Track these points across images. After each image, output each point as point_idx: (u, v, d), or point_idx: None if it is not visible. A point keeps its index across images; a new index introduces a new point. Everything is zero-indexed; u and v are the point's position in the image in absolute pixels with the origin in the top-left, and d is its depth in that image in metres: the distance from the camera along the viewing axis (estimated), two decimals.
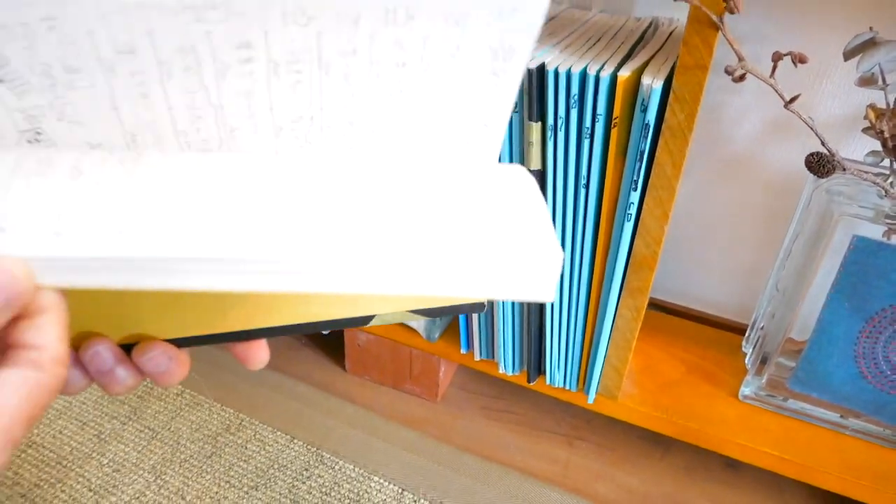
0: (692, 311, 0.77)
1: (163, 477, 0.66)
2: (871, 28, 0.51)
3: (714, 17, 0.41)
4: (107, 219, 0.22)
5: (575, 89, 0.47)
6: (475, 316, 0.64)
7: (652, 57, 0.50)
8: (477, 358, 0.67)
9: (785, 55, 0.42)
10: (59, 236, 0.22)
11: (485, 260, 0.23)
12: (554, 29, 0.56)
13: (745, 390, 0.64)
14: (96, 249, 0.22)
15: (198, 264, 0.22)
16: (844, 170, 0.48)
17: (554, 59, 0.48)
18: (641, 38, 0.56)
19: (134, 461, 0.67)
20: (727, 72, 0.42)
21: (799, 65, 0.40)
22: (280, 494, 0.64)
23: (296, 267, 0.22)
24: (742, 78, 0.41)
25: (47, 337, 0.22)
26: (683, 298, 0.78)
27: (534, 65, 0.47)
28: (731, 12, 0.40)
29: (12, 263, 0.21)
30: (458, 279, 0.24)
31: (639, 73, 0.47)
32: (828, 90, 0.60)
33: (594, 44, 0.53)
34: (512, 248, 0.24)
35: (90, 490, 0.64)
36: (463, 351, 0.68)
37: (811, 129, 0.47)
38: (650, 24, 0.60)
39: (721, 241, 0.72)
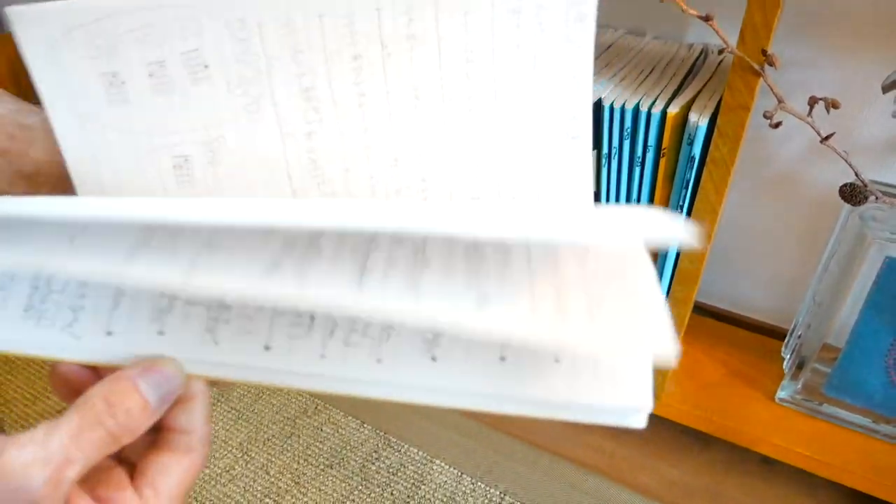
0: (735, 315, 0.82)
1: (249, 453, 0.74)
2: None
3: (756, 66, 0.46)
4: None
5: (628, 123, 0.53)
6: None
7: (699, 91, 0.55)
8: None
9: (820, 100, 0.46)
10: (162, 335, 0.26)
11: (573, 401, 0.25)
12: (610, 59, 0.61)
13: (782, 393, 0.68)
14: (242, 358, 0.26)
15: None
16: (877, 198, 0.52)
17: (609, 94, 0.54)
18: (692, 67, 0.60)
19: (223, 438, 0.76)
20: (765, 116, 0.46)
21: (832, 109, 0.45)
22: (353, 473, 0.72)
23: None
24: (778, 125, 0.46)
25: (197, 421, 0.26)
26: (729, 303, 0.82)
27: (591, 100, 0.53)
28: (771, 65, 0.45)
29: (167, 365, 0.25)
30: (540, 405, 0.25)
31: (686, 108, 0.52)
32: (871, 115, 0.63)
33: (647, 76, 0.58)
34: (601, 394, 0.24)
35: None
36: None
37: (846, 161, 0.51)
38: (701, 52, 0.64)
39: (765, 251, 0.76)
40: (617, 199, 0.57)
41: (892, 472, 0.63)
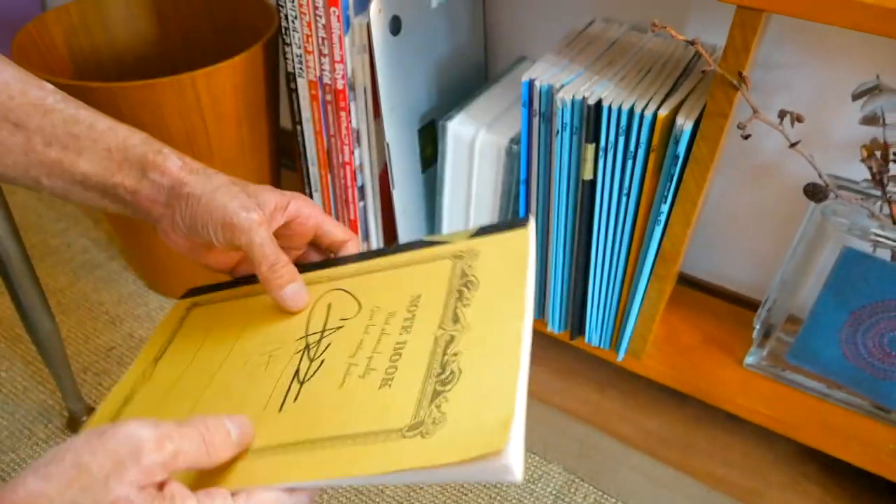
0: (715, 286, 0.90)
1: None
2: (877, 76, 0.62)
3: (734, 82, 0.53)
4: None
5: (623, 122, 0.60)
6: None
7: (688, 94, 0.62)
8: None
9: (788, 113, 0.54)
10: None
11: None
12: (613, 57, 0.68)
13: (749, 359, 0.77)
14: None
15: None
16: (837, 196, 0.60)
17: (609, 95, 0.61)
18: (686, 68, 0.67)
19: None
20: (739, 127, 0.54)
21: (796, 123, 0.52)
22: None
23: None
24: (748, 136, 0.53)
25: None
26: (710, 275, 0.91)
27: (593, 101, 0.60)
28: (746, 85, 0.52)
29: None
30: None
31: (674, 112, 0.60)
32: (847, 113, 0.70)
33: (644, 76, 0.65)
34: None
35: None
36: None
37: (810, 163, 0.59)
38: (695, 53, 0.71)
39: (745, 231, 0.84)
40: (611, 187, 0.65)
41: (840, 431, 0.72)
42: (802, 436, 0.73)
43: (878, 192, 0.64)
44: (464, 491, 0.75)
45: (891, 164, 0.64)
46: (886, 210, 0.65)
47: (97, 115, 0.42)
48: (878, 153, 0.62)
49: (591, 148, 0.63)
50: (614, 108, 0.60)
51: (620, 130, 0.61)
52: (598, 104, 0.60)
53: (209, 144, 0.78)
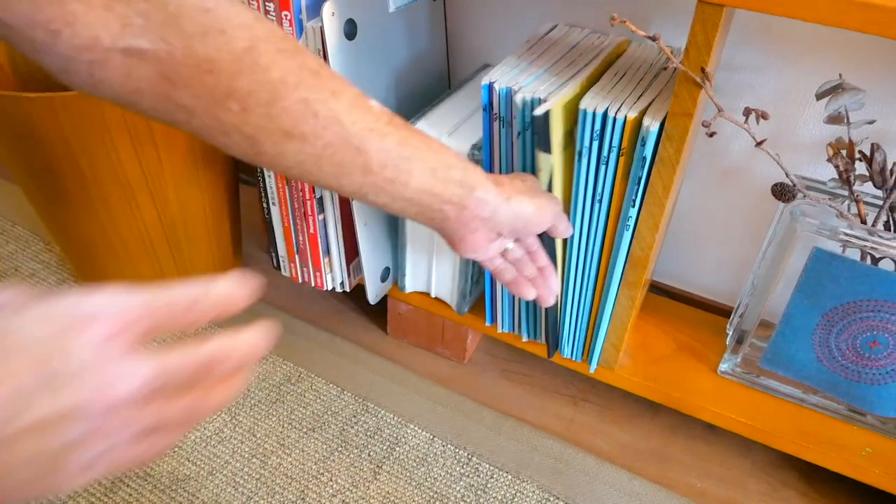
0: (687, 293, 0.89)
1: (237, 418, 0.80)
2: (839, 75, 0.62)
3: (697, 79, 0.52)
4: None
5: (598, 126, 0.58)
6: (500, 295, 0.76)
7: (656, 97, 0.61)
8: (499, 330, 0.80)
9: (753, 110, 0.52)
10: None
11: None
12: (575, 59, 0.67)
13: (723, 366, 0.76)
14: None
15: None
16: (805, 196, 0.59)
17: (587, 99, 0.59)
18: (657, 74, 0.65)
19: None
20: (704, 125, 0.52)
21: (761, 120, 0.51)
22: (333, 436, 0.79)
23: None
24: (713, 134, 0.51)
25: None
26: (681, 283, 0.89)
27: (570, 95, 0.58)
28: (708, 81, 0.50)
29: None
30: None
31: (643, 114, 0.58)
32: (812, 114, 0.69)
33: (620, 79, 0.63)
34: None
35: None
36: (487, 324, 0.80)
37: (777, 162, 0.57)
38: (664, 57, 0.70)
39: (715, 236, 0.83)
40: (586, 194, 0.63)
41: (817, 437, 0.70)
42: (779, 443, 0.71)
43: (846, 192, 0.63)
44: None
45: (857, 163, 0.63)
46: (854, 209, 0.64)
47: (423, 136, 0.49)
48: (843, 152, 0.61)
49: (544, 157, 0.61)
50: (589, 111, 0.58)
51: (595, 135, 0.59)
52: (576, 108, 0.58)
53: (158, 156, 0.74)
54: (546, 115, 0.57)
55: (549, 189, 0.62)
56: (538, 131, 0.59)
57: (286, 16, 0.65)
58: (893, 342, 0.64)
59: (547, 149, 0.59)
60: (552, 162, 0.60)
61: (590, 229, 0.65)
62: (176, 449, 0.76)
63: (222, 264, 0.93)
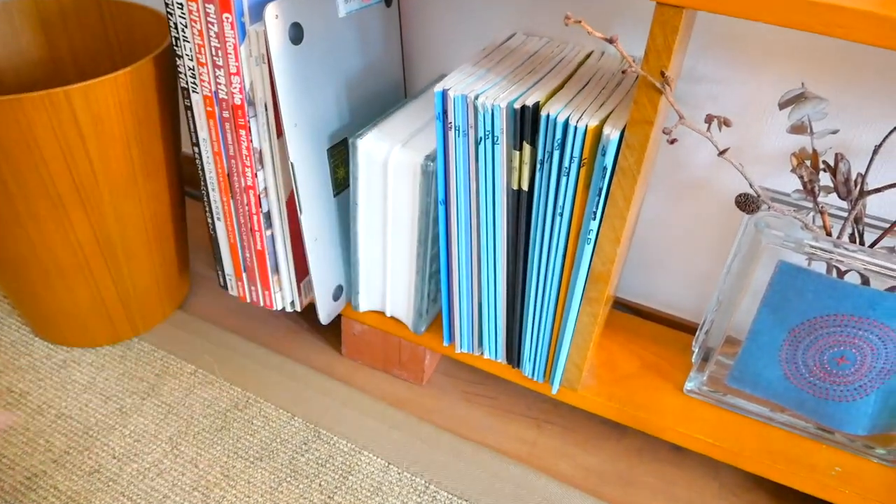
0: (652, 310, 0.86)
1: (178, 447, 0.75)
2: (802, 84, 0.60)
3: (657, 84, 0.49)
4: None
5: (559, 135, 0.55)
6: (458, 313, 0.73)
7: (617, 105, 0.58)
8: (458, 350, 0.76)
9: (715, 117, 0.50)
10: None
11: None
12: (535, 67, 0.64)
13: (689, 385, 0.73)
14: None
15: None
16: (769, 207, 0.57)
17: (550, 104, 0.56)
18: (619, 83, 0.63)
19: (153, 433, 0.76)
20: (665, 132, 0.50)
21: (724, 127, 0.48)
22: (281, 465, 0.74)
23: None
24: (674, 141, 0.49)
25: None
26: (647, 299, 0.87)
27: (520, 105, 0.55)
28: (668, 85, 0.48)
29: None
30: None
31: (604, 122, 0.56)
32: (775, 125, 0.68)
33: (583, 87, 0.61)
34: None
35: (114, 458, 0.73)
36: (445, 343, 0.77)
37: (741, 172, 0.55)
38: (623, 64, 0.67)
39: (680, 251, 0.80)
40: (546, 206, 0.60)
41: (785, 456, 0.68)
42: (747, 463, 0.69)
43: (810, 203, 0.61)
44: None
45: (821, 174, 0.61)
46: (819, 221, 0.63)
47: None
48: (807, 162, 0.59)
49: (515, 155, 0.58)
50: (552, 117, 0.55)
51: (556, 143, 0.56)
52: (536, 108, 0.56)
53: (91, 168, 0.69)
54: (536, 105, 0.54)
55: (520, 184, 0.59)
56: (523, 125, 0.56)
57: (227, 18, 0.61)
58: (861, 358, 0.62)
59: (532, 141, 0.56)
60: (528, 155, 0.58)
61: (550, 244, 0.62)
62: (110, 483, 0.71)
63: (167, 283, 0.87)
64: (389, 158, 0.66)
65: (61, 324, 0.84)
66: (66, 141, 0.66)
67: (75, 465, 0.72)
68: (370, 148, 0.67)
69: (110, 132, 0.69)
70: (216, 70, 0.65)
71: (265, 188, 0.71)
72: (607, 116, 0.57)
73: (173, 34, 0.65)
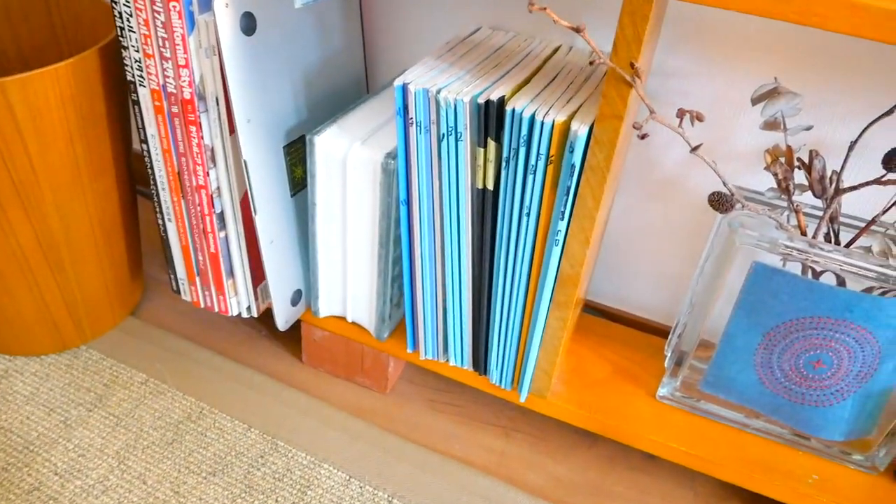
0: (624, 313, 0.84)
1: (126, 462, 0.71)
2: (775, 78, 0.58)
3: (627, 77, 0.47)
4: None
5: (525, 131, 0.53)
6: (423, 318, 0.70)
7: (586, 100, 0.56)
8: (422, 357, 0.73)
9: (687, 112, 0.47)
10: None
11: None
12: (500, 61, 0.61)
13: (662, 391, 0.71)
14: None
15: None
16: (743, 206, 0.54)
17: (516, 99, 0.54)
18: (587, 78, 0.61)
19: (98, 447, 0.72)
20: (635, 127, 0.47)
21: (696, 122, 0.46)
22: (236, 480, 0.70)
23: None
24: (645, 136, 0.46)
25: None
26: (618, 302, 0.84)
27: (484, 99, 0.53)
28: (639, 78, 0.45)
29: None
30: None
31: (571, 118, 0.53)
32: (748, 122, 0.66)
33: (550, 82, 0.58)
34: None
35: (56, 474, 0.69)
36: (409, 350, 0.73)
37: (714, 170, 0.53)
38: (592, 58, 0.65)
39: (652, 252, 0.78)
40: (512, 206, 0.57)
41: (761, 464, 0.66)
42: (722, 472, 0.66)
43: (785, 202, 0.59)
44: None
45: (796, 172, 0.59)
46: (794, 220, 0.61)
47: None
48: (782, 159, 0.57)
49: (483, 152, 0.55)
50: (517, 112, 0.52)
51: (522, 140, 0.53)
52: (501, 103, 0.53)
53: (31, 165, 0.65)
54: (501, 100, 0.51)
55: (484, 183, 0.56)
56: (487, 120, 0.53)
57: (174, 7, 0.57)
58: (838, 361, 0.60)
59: (497, 137, 0.54)
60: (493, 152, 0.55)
61: (517, 245, 0.59)
62: (50, 501, 0.66)
63: (117, 288, 0.83)
64: (349, 156, 0.63)
65: (2, 331, 0.79)
66: (2, 136, 0.62)
67: (13, 483, 0.68)
68: (329, 145, 0.64)
69: (51, 127, 0.65)
70: (164, 62, 0.61)
71: (218, 187, 0.67)
72: (575, 111, 0.54)
73: (118, 24, 0.61)
